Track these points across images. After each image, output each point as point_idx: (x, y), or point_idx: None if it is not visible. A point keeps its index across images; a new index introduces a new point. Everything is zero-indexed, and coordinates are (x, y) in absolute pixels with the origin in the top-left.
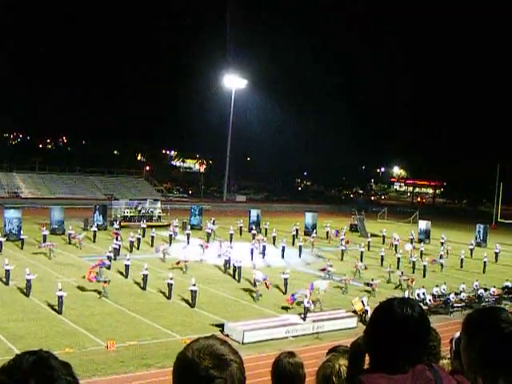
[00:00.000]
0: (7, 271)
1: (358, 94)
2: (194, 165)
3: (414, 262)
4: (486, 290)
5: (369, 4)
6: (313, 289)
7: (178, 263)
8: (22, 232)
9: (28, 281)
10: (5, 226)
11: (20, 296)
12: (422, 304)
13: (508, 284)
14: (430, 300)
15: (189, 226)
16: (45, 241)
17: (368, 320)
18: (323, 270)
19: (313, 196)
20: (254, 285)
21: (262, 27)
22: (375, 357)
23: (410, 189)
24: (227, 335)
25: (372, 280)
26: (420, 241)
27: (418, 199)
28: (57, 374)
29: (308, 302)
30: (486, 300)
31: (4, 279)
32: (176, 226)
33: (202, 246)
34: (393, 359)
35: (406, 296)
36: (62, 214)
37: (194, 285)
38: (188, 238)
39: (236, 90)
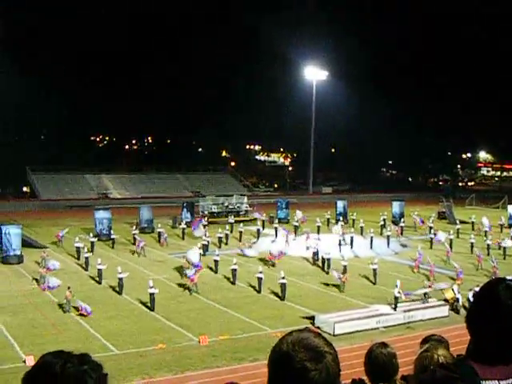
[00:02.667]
0: (99, 270)
1: (444, 80)
2: (278, 158)
3: (504, 248)
4: None
5: None
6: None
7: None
8: (112, 232)
9: (120, 279)
10: (95, 226)
11: (113, 294)
12: None
13: None
14: None
15: (276, 220)
16: (135, 240)
17: (470, 306)
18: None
19: (399, 184)
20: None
21: (342, 17)
22: (479, 345)
23: (498, 173)
24: (318, 327)
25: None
26: (510, 226)
27: (483, 181)
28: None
29: (398, 292)
30: None
31: (97, 278)
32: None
33: (286, 237)
34: (499, 349)
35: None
36: (150, 213)
37: (284, 278)
38: (276, 232)
39: (317, 82)
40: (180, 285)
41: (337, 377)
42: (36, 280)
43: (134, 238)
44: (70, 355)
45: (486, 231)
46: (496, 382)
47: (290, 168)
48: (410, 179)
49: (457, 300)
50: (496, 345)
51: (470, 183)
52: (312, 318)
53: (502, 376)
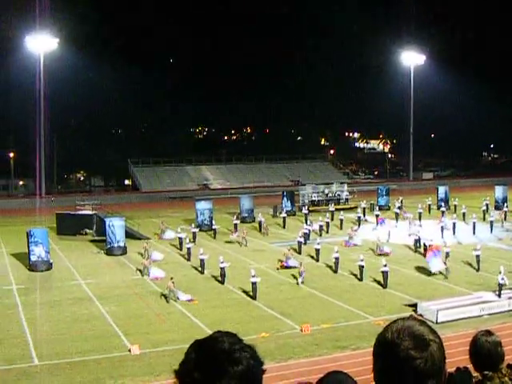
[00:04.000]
0: (202, 260)
1: None
2: (377, 145)
3: None
4: None
5: None
6: None
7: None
8: (213, 222)
9: (222, 269)
10: (197, 217)
11: (215, 284)
12: None
13: None
14: None
15: (377, 207)
16: (236, 230)
17: None
18: None
19: (502, 168)
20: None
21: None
22: None
23: None
24: (420, 315)
25: None
26: None
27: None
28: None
29: (502, 278)
30: None
31: (199, 268)
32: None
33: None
34: None
35: None
36: (251, 203)
37: (386, 265)
38: (377, 220)
39: (415, 66)
40: (281, 274)
41: (442, 365)
42: (140, 271)
43: (235, 227)
44: (241, 341)
45: None
46: None
47: (392, 155)
48: None
49: None
50: None
51: None
52: (414, 306)
53: None
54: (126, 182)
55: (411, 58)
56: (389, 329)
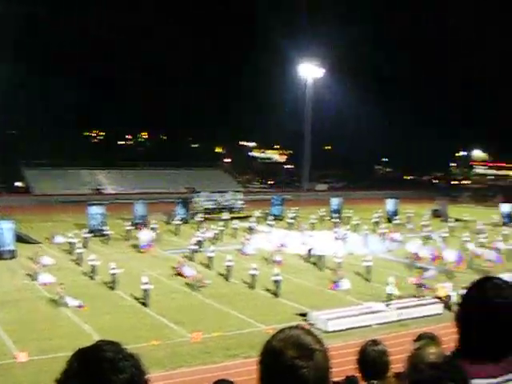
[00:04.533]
0: (93, 266)
1: (433, 80)
2: (273, 155)
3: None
4: None
5: None
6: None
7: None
8: (106, 227)
9: (113, 275)
10: (89, 221)
11: (106, 290)
12: None
13: None
14: None
15: (271, 217)
16: (128, 236)
17: (459, 304)
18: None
19: (394, 182)
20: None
21: (340, 11)
22: (468, 343)
23: (493, 171)
24: (311, 324)
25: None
26: (504, 224)
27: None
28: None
29: (391, 289)
30: None
31: (90, 274)
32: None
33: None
34: (487, 347)
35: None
36: (144, 209)
37: (278, 274)
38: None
39: (314, 79)
40: (174, 281)
41: (327, 374)
42: (29, 276)
43: (128, 233)
44: (124, 350)
45: (479, 229)
46: (485, 380)
47: (291, 166)
48: (408, 177)
49: (449, 297)
50: (484, 343)
51: (464, 181)
52: (305, 315)
53: (491, 374)
54: (18, 184)
55: (309, 70)
56: (275, 338)
